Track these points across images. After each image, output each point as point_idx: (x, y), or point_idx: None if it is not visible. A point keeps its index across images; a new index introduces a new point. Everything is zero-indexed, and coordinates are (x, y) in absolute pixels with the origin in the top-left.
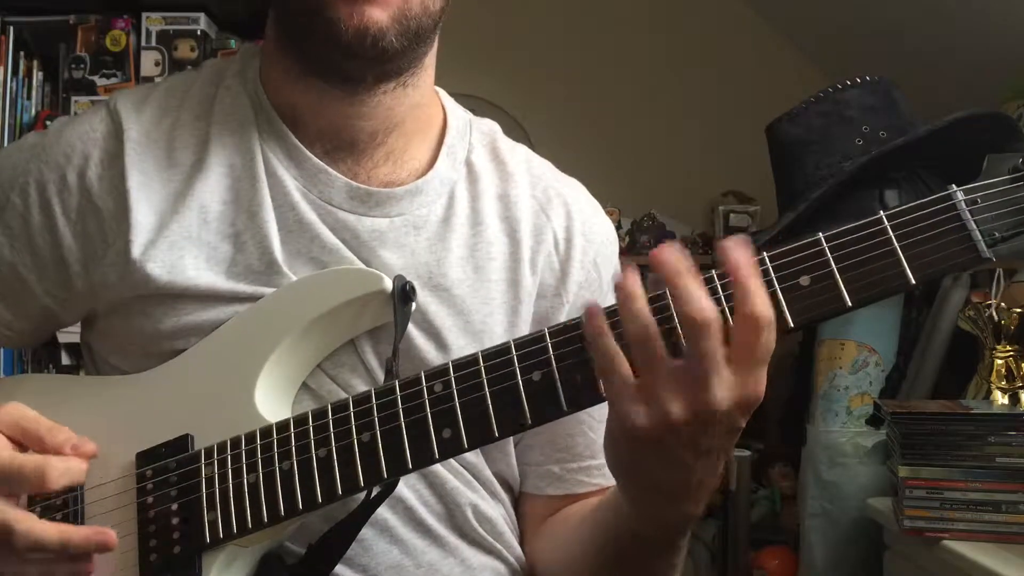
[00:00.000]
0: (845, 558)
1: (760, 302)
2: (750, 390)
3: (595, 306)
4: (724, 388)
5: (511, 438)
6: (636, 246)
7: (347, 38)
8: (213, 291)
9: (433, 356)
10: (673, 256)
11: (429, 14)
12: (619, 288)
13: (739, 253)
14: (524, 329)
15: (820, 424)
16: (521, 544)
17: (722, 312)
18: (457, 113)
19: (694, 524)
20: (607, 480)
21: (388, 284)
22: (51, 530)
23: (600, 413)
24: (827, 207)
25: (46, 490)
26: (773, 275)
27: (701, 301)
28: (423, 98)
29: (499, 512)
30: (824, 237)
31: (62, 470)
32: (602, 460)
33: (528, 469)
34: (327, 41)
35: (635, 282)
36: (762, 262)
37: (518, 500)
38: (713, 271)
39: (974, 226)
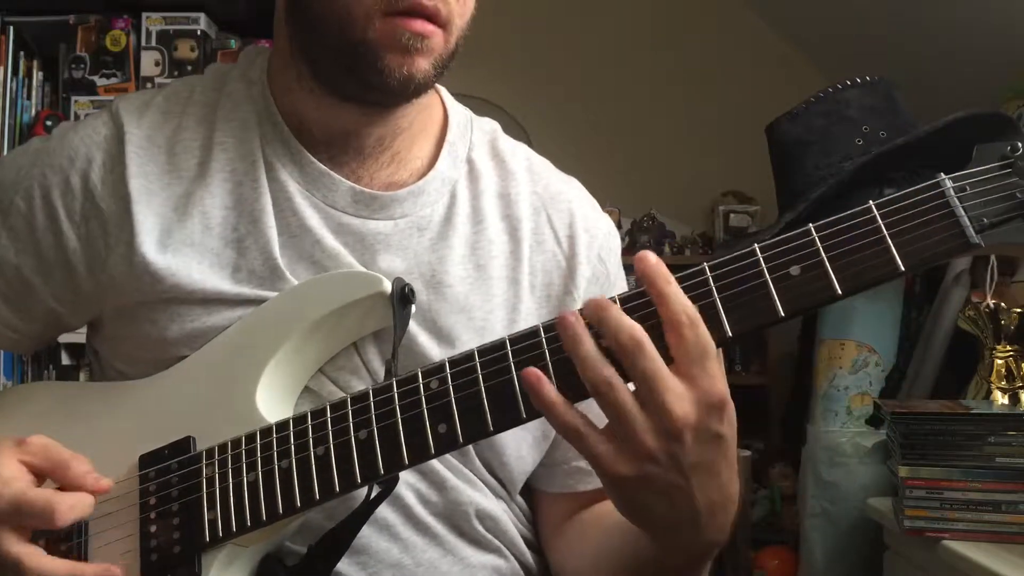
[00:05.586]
0: (845, 558)
1: (678, 303)
2: (705, 389)
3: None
4: (677, 398)
5: (514, 440)
6: (636, 246)
7: (392, 85)
8: (218, 295)
9: (436, 354)
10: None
11: (458, 44)
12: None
13: (646, 263)
14: (522, 326)
15: (820, 424)
16: (542, 545)
17: (653, 326)
18: (457, 109)
19: (719, 548)
20: None
21: (387, 286)
22: (60, 567)
23: None
24: (827, 207)
25: (54, 526)
26: (764, 266)
27: (629, 324)
28: (427, 98)
29: (503, 509)
30: (814, 227)
31: (70, 505)
32: None
33: (554, 469)
34: (368, 83)
35: (581, 327)
36: (753, 253)
37: (539, 502)
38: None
39: (962, 212)
